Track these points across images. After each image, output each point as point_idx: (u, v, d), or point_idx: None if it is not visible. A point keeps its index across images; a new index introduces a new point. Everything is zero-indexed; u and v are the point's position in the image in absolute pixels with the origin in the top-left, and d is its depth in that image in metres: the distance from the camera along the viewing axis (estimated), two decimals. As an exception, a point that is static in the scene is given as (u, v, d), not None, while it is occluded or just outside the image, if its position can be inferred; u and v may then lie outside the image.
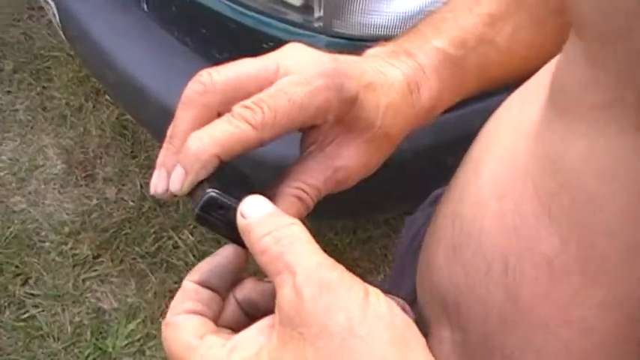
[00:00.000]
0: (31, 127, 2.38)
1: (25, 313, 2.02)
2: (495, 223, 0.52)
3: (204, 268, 0.53)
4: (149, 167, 2.25)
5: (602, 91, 0.43)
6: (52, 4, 1.75)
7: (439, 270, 0.59)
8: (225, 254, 0.53)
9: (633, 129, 0.42)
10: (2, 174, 2.28)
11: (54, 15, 1.80)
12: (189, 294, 0.51)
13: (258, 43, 1.41)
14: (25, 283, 2.08)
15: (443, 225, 0.61)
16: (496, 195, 0.53)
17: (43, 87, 2.46)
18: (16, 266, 2.10)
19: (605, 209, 0.44)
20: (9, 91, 2.47)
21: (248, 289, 0.54)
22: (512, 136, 0.55)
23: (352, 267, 2.03)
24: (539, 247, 0.48)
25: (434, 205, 0.77)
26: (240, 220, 0.49)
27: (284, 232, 0.48)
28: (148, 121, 1.76)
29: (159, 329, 1.99)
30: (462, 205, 0.58)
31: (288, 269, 0.45)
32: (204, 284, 0.52)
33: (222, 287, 0.53)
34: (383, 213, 2.09)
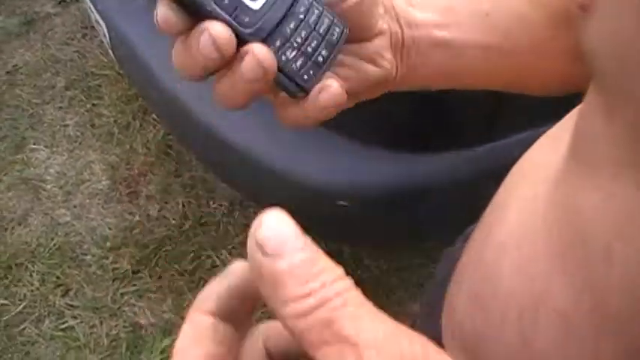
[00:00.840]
0: (80, 143, 2.43)
1: (63, 324, 2.06)
2: (514, 271, 0.53)
3: (221, 294, 0.37)
4: (192, 187, 2.29)
5: (619, 146, 0.44)
6: (103, 24, 1.80)
7: (461, 313, 0.60)
8: (239, 273, 0.37)
9: None
10: (49, 187, 2.33)
11: (104, 35, 1.84)
12: (207, 333, 0.36)
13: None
14: (65, 294, 2.12)
15: (467, 267, 0.63)
16: (516, 241, 0.53)
17: (93, 104, 2.52)
18: (58, 277, 2.14)
19: (619, 263, 0.44)
20: (60, 107, 2.53)
21: (277, 336, 0.39)
22: (535, 181, 0.55)
23: (388, 295, 2.05)
24: (554, 299, 0.48)
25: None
26: (260, 261, 0.32)
27: (332, 289, 0.33)
28: (191, 142, 1.79)
29: (193, 346, 2.01)
30: (484, 249, 0.59)
31: (347, 340, 0.31)
32: (223, 317, 0.37)
33: (239, 319, 0.37)
34: (421, 242, 2.10)
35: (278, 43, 0.52)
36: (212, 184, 2.26)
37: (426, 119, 1.47)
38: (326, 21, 0.54)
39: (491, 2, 0.65)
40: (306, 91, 0.54)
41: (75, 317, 2.08)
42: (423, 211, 1.57)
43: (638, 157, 0.42)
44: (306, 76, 0.53)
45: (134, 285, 2.12)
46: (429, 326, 0.77)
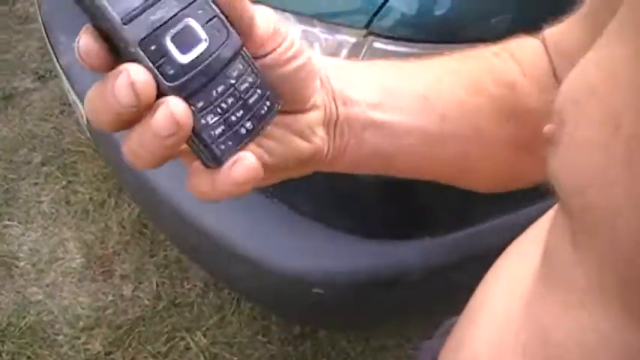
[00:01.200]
0: (54, 220, 2.42)
1: (32, 407, 2.02)
2: None
3: None
4: (166, 266, 2.27)
5: (586, 273, 0.44)
6: (79, 105, 1.81)
7: None
8: None
9: (618, 310, 0.42)
10: (22, 264, 2.31)
11: (81, 116, 1.85)
12: None
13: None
14: (35, 376, 2.08)
15: None
16: (488, 358, 0.53)
17: (69, 181, 2.51)
18: (28, 357, 2.11)
19: None
20: (36, 183, 2.52)
21: None
22: (506, 296, 0.55)
23: (364, 378, 2.03)
24: None
25: (446, 335, 0.77)
26: None
27: None
28: (164, 226, 1.79)
29: None
30: None
31: None
32: None
33: None
34: (396, 326, 2.09)
35: (200, 105, 0.48)
36: (186, 264, 2.25)
37: (398, 206, 1.48)
38: (258, 92, 0.51)
39: (429, 86, 0.63)
40: (219, 162, 0.49)
41: (44, 399, 2.04)
42: (397, 297, 1.56)
43: (605, 285, 0.42)
44: (223, 146, 0.49)
45: (106, 367, 2.09)
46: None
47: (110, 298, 2.23)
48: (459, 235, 1.50)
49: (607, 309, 0.42)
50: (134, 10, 0.46)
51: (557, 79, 0.65)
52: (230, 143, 0.50)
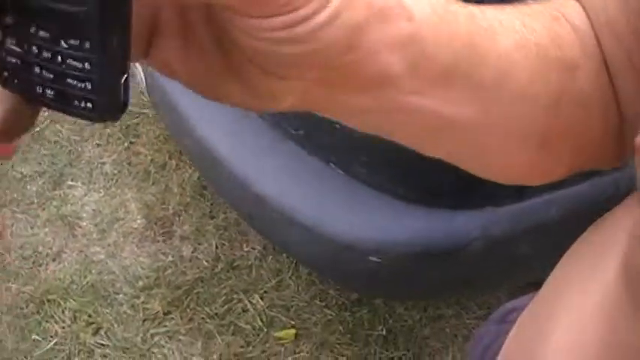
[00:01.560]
0: (116, 181, 2.45)
1: (93, 363, 2.07)
2: None
3: None
4: (225, 229, 2.29)
5: None
6: (140, 69, 1.82)
7: None
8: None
9: None
10: (84, 224, 2.35)
11: (141, 79, 1.86)
12: None
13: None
14: (96, 332, 2.12)
15: None
16: None
17: (131, 142, 2.54)
18: (89, 315, 2.15)
19: None
20: (99, 144, 2.55)
21: None
22: (580, 308, 0.52)
23: (421, 345, 2.03)
24: None
25: (502, 323, 0.75)
26: None
27: None
28: (224, 191, 1.79)
29: (221, 392, 2.01)
30: None
31: None
32: None
33: None
34: (454, 296, 2.08)
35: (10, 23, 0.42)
36: (245, 227, 2.25)
37: (457, 174, 1.46)
38: (86, 85, 0.41)
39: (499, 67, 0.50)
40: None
41: (104, 356, 2.08)
42: (454, 267, 1.55)
43: None
44: (10, 79, 0.43)
45: (165, 326, 2.12)
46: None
47: (170, 258, 2.25)
48: (518, 207, 1.47)
49: None
50: None
51: (603, 54, 0.55)
52: (18, 84, 0.42)
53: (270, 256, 2.23)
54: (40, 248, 2.30)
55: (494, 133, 0.51)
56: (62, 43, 0.40)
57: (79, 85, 0.40)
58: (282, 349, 2.08)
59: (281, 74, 0.42)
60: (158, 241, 2.30)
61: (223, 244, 2.26)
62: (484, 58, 0.48)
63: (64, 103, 0.41)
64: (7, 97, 0.42)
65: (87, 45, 0.39)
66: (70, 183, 2.45)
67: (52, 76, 0.41)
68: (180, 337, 2.10)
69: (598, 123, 0.54)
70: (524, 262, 1.57)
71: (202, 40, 0.42)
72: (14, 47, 0.41)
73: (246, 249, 2.25)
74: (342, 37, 0.40)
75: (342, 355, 2.07)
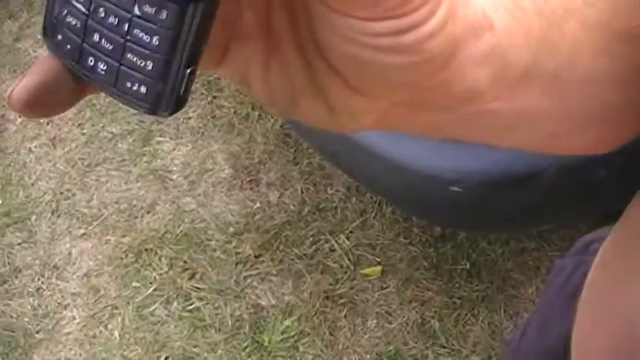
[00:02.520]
0: (202, 134, 2.54)
1: (190, 305, 2.18)
2: None
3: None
4: (310, 174, 2.36)
5: None
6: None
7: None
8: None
9: None
10: (175, 177, 2.45)
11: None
12: None
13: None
14: (192, 277, 2.23)
15: (603, 312, 0.58)
16: None
17: (214, 97, 2.62)
18: (185, 262, 2.25)
19: None
20: (183, 100, 2.64)
21: None
22: None
23: (505, 278, 2.07)
24: None
25: (583, 254, 0.75)
26: None
27: None
28: (309, 133, 1.85)
29: (313, 327, 2.09)
30: (619, 300, 0.55)
31: None
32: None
33: None
34: (536, 225, 2.11)
35: None
36: (329, 171, 2.33)
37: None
38: (149, 65, 0.35)
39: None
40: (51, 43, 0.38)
41: (201, 299, 2.19)
42: (534, 194, 1.59)
43: None
44: (61, 46, 0.37)
45: (256, 269, 2.21)
46: (546, 334, 0.77)
47: (257, 205, 2.34)
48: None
49: None
50: None
51: None
52: (69, 52, 0.37)
53: (354, 197, 2.29)
54: (135, 202, 2.41)
55: (567, 118, 0.50)
56: (135, 9, 0.34)
57: (139, 62, 0.35)
58: (370, 285, 2.16)
59: (368, 91, 0.38)
60: (246, 189, 2.39)
61: (308, 188, 2.34)
62: (555, 47, 0.46)
63: (114, 82, 0.36)
64: (51, 66, 0.37)
65: (163, 15, 0.34)
66: (158, 139, 2.55)
67: (111, 47, 0.35)
68: (272, 278, 2.19)
69: None
70: (600, 188, 1.58)
71: (285, 48, 0.38)
72: (79, 5, 0.36)
73: (330, 192, 2.32)
74: (443, 51, 0.37)
75: (428, 290, 2.14)
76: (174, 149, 2.52)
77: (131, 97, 0.35)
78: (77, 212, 2.41)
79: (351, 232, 2.23)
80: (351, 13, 0.34)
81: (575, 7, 0.47)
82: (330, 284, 2.15)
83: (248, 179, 2.40)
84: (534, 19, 0.44)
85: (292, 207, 2.32)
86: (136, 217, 2.38)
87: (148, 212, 2.39)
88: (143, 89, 0.35)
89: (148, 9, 0.33)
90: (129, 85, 0.35)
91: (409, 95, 0.39)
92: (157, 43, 0.34)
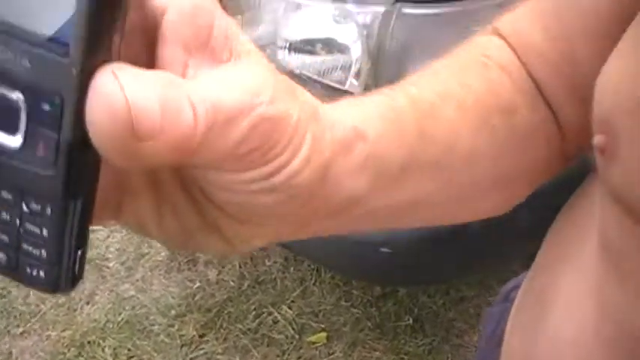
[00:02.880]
0: (135, 219, 2.53)
1: (138, 394, 2.16)
2: None
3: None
4: (246, 247, 2.36)
5: None
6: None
7: None
8: None
9: None
10: (111, 264, 2.44)
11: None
12: None
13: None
14: (138, 365, 2.21)
15: (518, 354, 0.61)
16: (570, 351, 0.53)
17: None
18: (129, 349, 2.23)
19: None
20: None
21: None
22: (571, 288, 0.54)
23: (448, 328, 2.09)
24: None
25: (505, 302, 0.77)
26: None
27: None
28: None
29: (264, 402, 2.09)
30: (535, 345, 0.57)
31: None
32: None
33: None
34: (468, 276, 2.14)
35: None
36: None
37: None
38: (42, 253, 0.38)
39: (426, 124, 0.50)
40: None
41: (150, 386, 2.17)
42: (462, 246, 1.62)
43: None
44: None
45: (202, 349, 2.20)
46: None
47: (197, 284, 2.34)
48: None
49: None
50: None
51: (536, 83, 0.57)
52: None
53: (292, 267, 2.31)
54: (73, 294, 2.38)
55: (457, 195, 0.53)
56: (24, 206, 0.37)
57: (34, 251, 0.38)
58: (317, 352, 2.16)
59: (255, 222, 0.41)
60: (184, 270, 2.38)
61: (246, 263, 2.35)
62: (432, 137, 0.49)
63: (14, 268, 0.38)
64: None
65: (48, 211, 0.37)
66: (92, 228, 2.53)
67: (8, 239, 0.38)
68: (218, 357, 2.18)
69: (543, 147, 0.57)
70: (525, 233, 1.63)
71: (174, 198, 0.41)
72: None
73: (268, 263, 2.34)
74: (315, 178, 0.40)
75: (374, 350, 2.15)
76: (108, 237, 2.51)
77: (32, 280, 0.38)
78: (14, 310, 2.37)
79: (292, 301, 2.24)
80: (222, 168, 0.37)
81: (451, 93, 0.51)
82: (278, 356, 2.15)
83: (185, 260, 2.40)
84: (409, 116, 0.48)
85: (232, 283, 2.32)
86: (75, 310, 2.35)
87: (87, 303, 2.36)
88: (42, 273, 0.37)
89: (34, 206, 0.36)
90: (29, 270, 0.37)
91: (292, 218, 0.42)
92: (47, 234, 0.36)
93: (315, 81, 1.47)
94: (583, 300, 0.52)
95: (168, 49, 0.36)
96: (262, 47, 1.40)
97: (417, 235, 1.56)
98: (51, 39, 0.34)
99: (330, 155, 0.41)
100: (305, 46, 1.47)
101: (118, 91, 0.32)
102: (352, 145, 0.43)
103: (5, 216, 0.37)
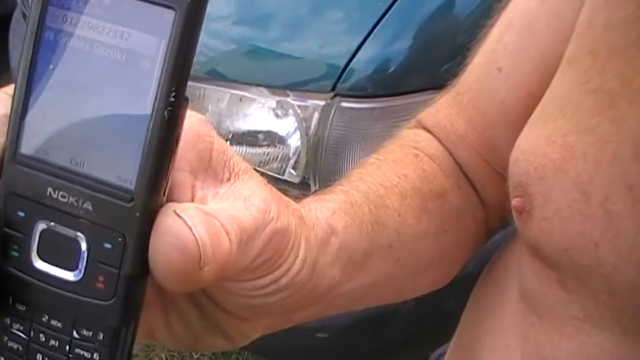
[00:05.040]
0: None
1: None
2: None
3: None
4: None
5: (582, 308, 0.49)
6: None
7: None
8: None
9: (618, 330, 0.48)
10: None
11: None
12: None
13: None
14: None
15: None
16: None
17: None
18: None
19: None
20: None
21: None
22: (500, 331, 0.59)
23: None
24: None
25: None
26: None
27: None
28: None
29: None
30: None
31: None
32: None
33: None
34: (404, 356, 2.19)
35: (20, 310, 0.40)
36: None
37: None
38: None
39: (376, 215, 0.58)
40: None
41: None
42: (396, 328, 1.67)
43: (603, 314, 0.49)
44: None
45: None
46: None
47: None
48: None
49: (606, 330, 0.49)
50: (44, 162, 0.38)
51: (460, 166, 0.66)
52: None
53: (221, 358, 2.31)
54: None
55: (405, 273, 0.60)
56: (74, 333, 0.39)
57: None
58: None
59: (255, 318, 0.47)
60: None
61: (173, 356, 2.33)
62: (384, 224, 0.57)
63: None
64: None
65: (100, 336, 0.38)
66: None
67: None
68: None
69: (471, 223, 0.65)
70: (452, 316, 1.69)
71: (182, 307, 0.46)
72: (19, 333, 0.39)
73: (196, 356, 2.33)
74: (308, 274, 0.47)
75: None
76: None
77: None
78: None
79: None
80: (239, 278, 0.42)
81: (392, 184, 0.59)
82: None
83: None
84: (365, 209, 0.55)
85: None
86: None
87: None
88: None
89: (86, 332, 0.38)
90: None
91: (284, 310, 0.48)
92: (97, 358, 0.39)
93: (256, 170, 1.52)
94: (509, 344, 0.57)
95: (177, 174, 0.40)
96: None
97: (352, 320, 1.59)
98: (114, 185, 0.37)
99: (317, 252, 0.48)
100: (247, 138, 1.54)
101: (188, 232, 0.37)
102: (328, 240, 0.50)
103: (53, 342, 0.39)
